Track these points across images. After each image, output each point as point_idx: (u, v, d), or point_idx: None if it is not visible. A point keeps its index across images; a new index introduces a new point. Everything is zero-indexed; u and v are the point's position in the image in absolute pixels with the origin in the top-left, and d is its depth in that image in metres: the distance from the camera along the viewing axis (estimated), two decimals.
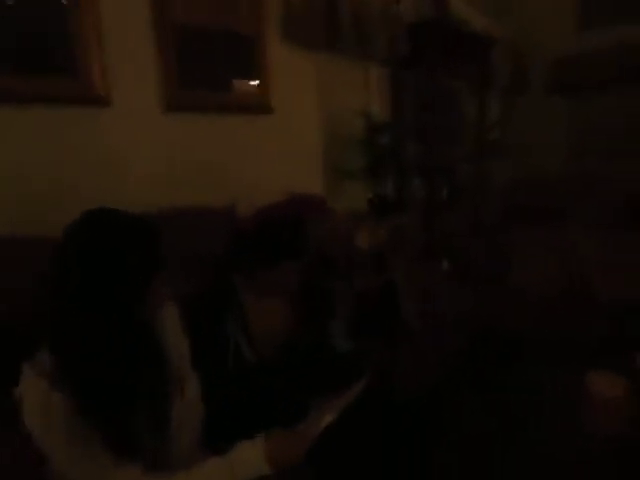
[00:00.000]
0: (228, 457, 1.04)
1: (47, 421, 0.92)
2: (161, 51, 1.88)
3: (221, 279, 1.41)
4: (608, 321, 1.68)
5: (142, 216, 0.98)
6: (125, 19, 1.78)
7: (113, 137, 1.76)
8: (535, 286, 2.06)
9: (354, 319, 1.78)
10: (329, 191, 2.57)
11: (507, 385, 1.80)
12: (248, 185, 1.98)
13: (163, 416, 1.07)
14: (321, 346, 1.55)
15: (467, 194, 3.31)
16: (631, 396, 1.04)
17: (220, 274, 1.42)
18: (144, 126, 1.86)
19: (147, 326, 1.03)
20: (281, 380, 1.40)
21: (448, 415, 1.52)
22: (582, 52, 3.29)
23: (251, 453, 1.04)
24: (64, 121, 1.63)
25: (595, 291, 1.98)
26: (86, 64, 1.66)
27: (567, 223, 2.36)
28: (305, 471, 1.09)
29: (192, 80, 2.00)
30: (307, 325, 1.53)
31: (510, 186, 2.87)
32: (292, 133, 2.38)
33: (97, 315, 0.91)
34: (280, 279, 1.38)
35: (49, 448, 0.94)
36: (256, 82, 2.27)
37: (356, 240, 2.61)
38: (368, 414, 1.21)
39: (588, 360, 1.23)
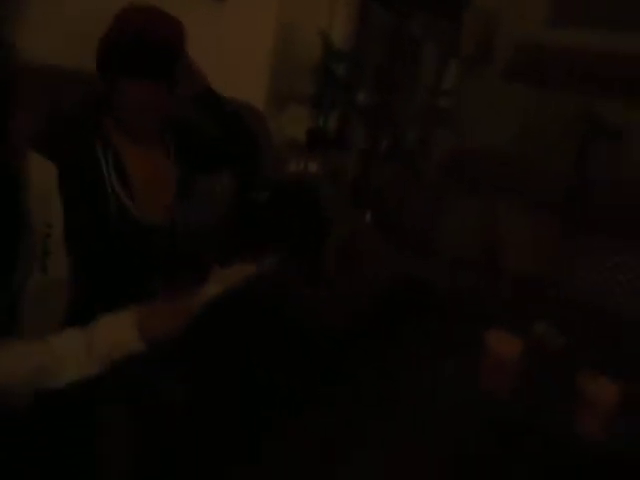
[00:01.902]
0: (89, 327, 0.86)
1: None
2: None
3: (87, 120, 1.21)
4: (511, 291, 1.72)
5: None
6: None
7: None
8: (452, 249, 2.07)
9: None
10: (270, 111, 2.37)
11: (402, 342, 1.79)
12: None
13: (12, 290, 0.90)
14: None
15: (406, 154, 3.25)
16: (523, 355, 1.06)
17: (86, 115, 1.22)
18: None
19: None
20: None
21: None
22: (548, 45, 3.23)
23: (117, 321, 0.86)
24: None
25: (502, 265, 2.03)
26: None
27: (498, 199, 2.39)
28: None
29: None
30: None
31: (451, 155, 2.84)
32: (241, 33, 2.13)
33: None
34: (141, 99, 1.17)
35: None
36: None
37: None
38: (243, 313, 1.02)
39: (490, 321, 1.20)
